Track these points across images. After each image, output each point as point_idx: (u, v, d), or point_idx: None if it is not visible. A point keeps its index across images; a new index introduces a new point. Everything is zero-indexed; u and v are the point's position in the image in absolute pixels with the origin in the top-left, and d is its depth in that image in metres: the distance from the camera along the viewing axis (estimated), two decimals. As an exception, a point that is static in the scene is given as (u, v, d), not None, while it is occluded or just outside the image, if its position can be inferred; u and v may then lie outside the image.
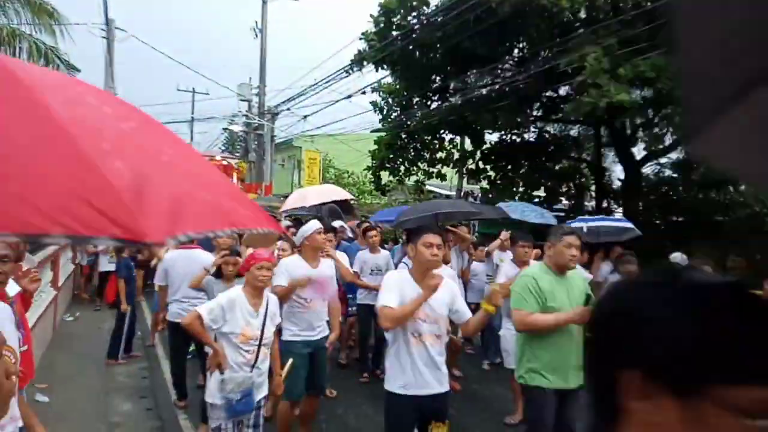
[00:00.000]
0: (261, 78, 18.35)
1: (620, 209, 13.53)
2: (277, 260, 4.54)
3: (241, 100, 18.90)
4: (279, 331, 3.80)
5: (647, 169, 13.48)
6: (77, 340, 8.11)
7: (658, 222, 12.91)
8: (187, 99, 31.04)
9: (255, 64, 18.68)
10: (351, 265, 6.31)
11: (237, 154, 24.73)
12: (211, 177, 1.32)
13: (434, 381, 3.15)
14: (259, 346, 3.40)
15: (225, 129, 22.17)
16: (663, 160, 13.35)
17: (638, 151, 12.14)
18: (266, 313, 3.48)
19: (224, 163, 21.55)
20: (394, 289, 3.10)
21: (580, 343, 3.50)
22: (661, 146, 10.78)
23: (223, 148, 31.72)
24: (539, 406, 3.44)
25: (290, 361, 4.02)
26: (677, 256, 6.61)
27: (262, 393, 3.52)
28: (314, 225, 4.38)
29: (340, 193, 9.30)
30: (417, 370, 3.10)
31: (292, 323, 4.30)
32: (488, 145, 14.04)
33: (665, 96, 7.84)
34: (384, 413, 3.21)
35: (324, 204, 9.06)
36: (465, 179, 16.16)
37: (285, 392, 4.17)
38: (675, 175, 13.44)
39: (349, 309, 6.59)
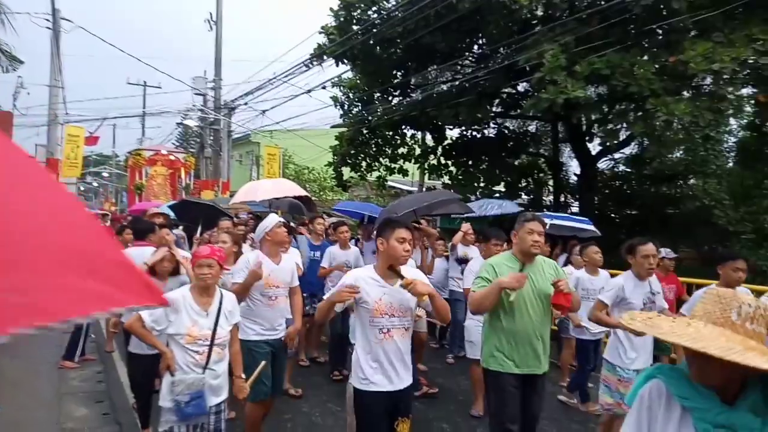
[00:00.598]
0: (216, 71, 17.93)
1: (577, 203, 13.89)
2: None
3: (196, 94, 18.43)
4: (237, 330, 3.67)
5: (602, 164, 13.88)
6: (26, 344, 7.74)
7: (612, 215, 13.32)
8: (139, 93, 30.11)
9: (210, 56, 18.17)
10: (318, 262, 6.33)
11: (192, 150, 24.11)
12: (73, 246, 1.12)
13: (403, 375, 3.13)
14: (211, 346, 3.26)
15: (179, 124, 21.56)
16: (617, 156, 13.77)
17: (593, 147, 12.47)
18: (219, 311, 3.34)
19: (171, 158, 20.98)
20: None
21: (541, 329, 3.58)
22: (615, 142, 11.10)
23: (177, 143, 30.85)
24: (500, 389, 3.49)
25: (263, 363, 3.90)
26: (663, 251, 6.66)
27: (220, 396, 3.38)
28: (274, 219, 4.31)
29: (295, 190, 8.81)
30: (387, 365, 3.05)
31: (255, 322, 4.21)
32: (449, 141, 14.13)
33: (619, 92, 8.05)
34: (355, 412, 3.12)
35: (277, 199, 8.81)
36: (426, 175, 16.24)
37: (252, 394, 4.06)
38: (628, 170, 13.88)
39: (306, 308, 6.46)
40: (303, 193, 9.01)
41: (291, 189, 8.66)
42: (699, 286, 6.67)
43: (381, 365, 3.05)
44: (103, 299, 1.09)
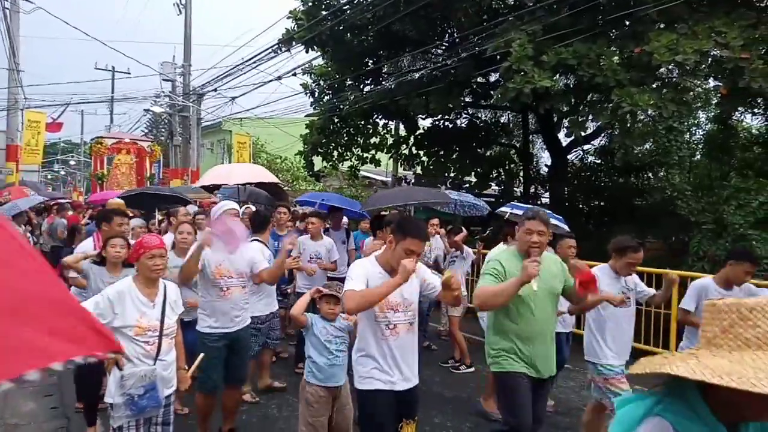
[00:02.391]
0: (185, 56, 17.51)
1: (547, 194, 13.93)
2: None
3: (164, 79, 17.97)
4: (181, 322, 3.55)
5: (572, 156, 13.93)
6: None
7: (581, 206, 13.39)
8: (106, 77, 29.39)
9: (179, 40, 17.72)
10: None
11: (162, 138, 23.58)
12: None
13: (409, 375, 3.03)
14: (161, 336, 3.18)
15: (147, 110, 20.99)
16: (586, 147, 13.83)
17: (564, 138, 12.49)
18: (164, 301, 3.26)
19: (137, 145, 20.44)
20: (362, 278, 2.92)
21: (552, 330, 3.45)
22: (582, 133, 11.14)
23: (146, 130, 30.20)
24: (511, 388, 3.33)
25: (201, 355, 3.82)
26: None
27: (170, 388, 3.30)
28: (224, 205, 4.14)
29: (268, 176, 8.71)
30: (395, 363, 2.95)
31: (207, 315, 4.09)
32: (421, 131, 14.03)
33: (586, 83, 8.04)
34: (361, 416, 3.03)
35: (249, 184, 8.61)
36: (399, 165, 16.14)
37: (198, 384, 4.00)
38: (598, 161, 13.96)
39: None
40: (274, 179, 8.88)
41: (265, 175, 8.48)
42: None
43: (387, 363, 2.94)
44: (47, 353, 1.08)
